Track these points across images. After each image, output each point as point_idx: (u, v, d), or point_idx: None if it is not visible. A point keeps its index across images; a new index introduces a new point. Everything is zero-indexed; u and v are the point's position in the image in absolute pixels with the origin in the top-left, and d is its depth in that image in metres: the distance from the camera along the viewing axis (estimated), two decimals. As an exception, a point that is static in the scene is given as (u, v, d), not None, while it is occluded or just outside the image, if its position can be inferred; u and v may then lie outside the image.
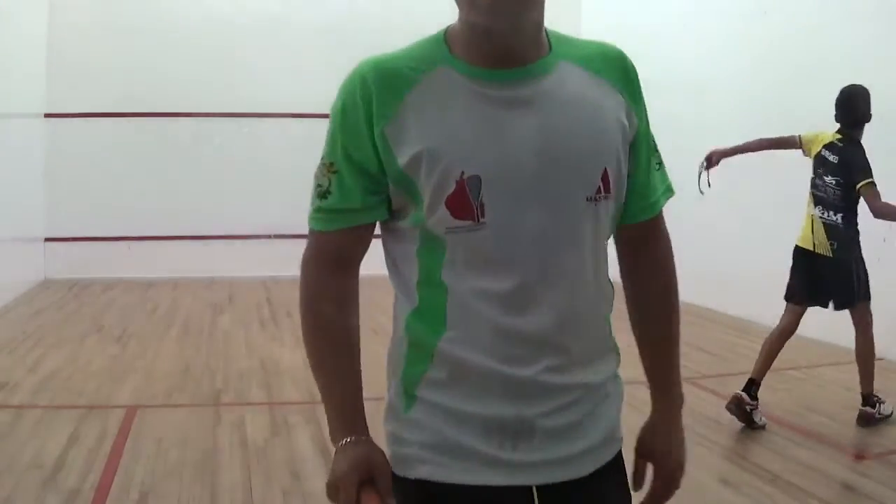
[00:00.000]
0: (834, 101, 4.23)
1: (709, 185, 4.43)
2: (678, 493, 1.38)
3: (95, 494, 3.22)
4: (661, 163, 1.33)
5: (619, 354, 1.32)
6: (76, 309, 7.37)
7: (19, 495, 3.19)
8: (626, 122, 1.22)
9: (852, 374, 4.31)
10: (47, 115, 8.73)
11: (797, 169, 4.48)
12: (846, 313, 4.29)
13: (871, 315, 4.21)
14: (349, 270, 1.25)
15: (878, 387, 4.24)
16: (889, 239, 5.13)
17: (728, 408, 4.16)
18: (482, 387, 1.18)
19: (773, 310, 4.47)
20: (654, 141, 1.32)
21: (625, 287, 1.37)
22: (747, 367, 4.32)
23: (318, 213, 1.21)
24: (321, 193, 1.20)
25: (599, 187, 1.18)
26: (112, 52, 8.68)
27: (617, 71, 1.24)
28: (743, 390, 4.18)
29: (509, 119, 1.15)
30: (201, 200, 8.94)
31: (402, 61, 1.17)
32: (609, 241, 1.28)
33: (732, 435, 4.08)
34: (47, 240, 8.84)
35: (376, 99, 1.14)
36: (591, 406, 1.23)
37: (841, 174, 4.14)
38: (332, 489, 1.19)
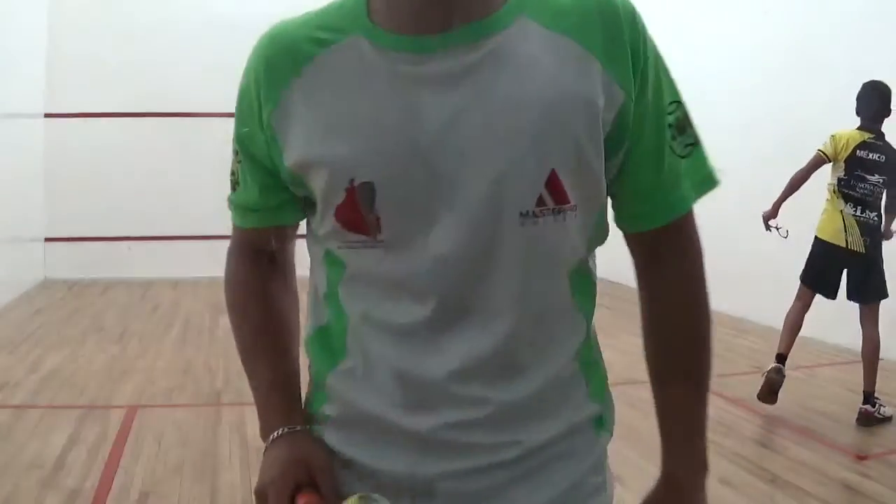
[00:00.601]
0: (856, 96, 4.23)
1: (786, 234, 4.42)
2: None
3: (95, 494, 3.21)
4: (692, 144, 0.98)
5: (602, 401, 1.01)
6: (76, 309, 7.35)
7: (19, 495, 3.19)
8: (598, 101, 0.89)
9: (852, 374, 4.31)
10: (47, 115, 8.72)
11: (794, 168, 4.48)
12: (847, 312, 4.29)
13: (878, 314, 4.24)
14: (276, 259, 1.09)
15: (879, 387, 4.23)
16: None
17: (769, 375, 4.16)
18: (375, 435, 0.95)
19: (772, 309, 4.47)
20: (675, 116, 0.97)
21: (640, 309, 1.03)
22: (747, 367, 4.33)
23: (232, 205, 1.06)
24: (233, 183, 1.03)
25: (541, 197, 0.87)
26: (112, 51, 8.66)
27: (592, 27, 0.90)
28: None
29: (426, 103, 0.87)
30: (201, 200, 8.88)
31: (306, 30, 0.93)
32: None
33: (732, 435, 4.07)
34: (47, 240, 8.82)
35: (265, 79, 0.93)
36: (523, 469, 0.94)
37: (888, 172, 4.13)
38: (261, 497, 0.94)
